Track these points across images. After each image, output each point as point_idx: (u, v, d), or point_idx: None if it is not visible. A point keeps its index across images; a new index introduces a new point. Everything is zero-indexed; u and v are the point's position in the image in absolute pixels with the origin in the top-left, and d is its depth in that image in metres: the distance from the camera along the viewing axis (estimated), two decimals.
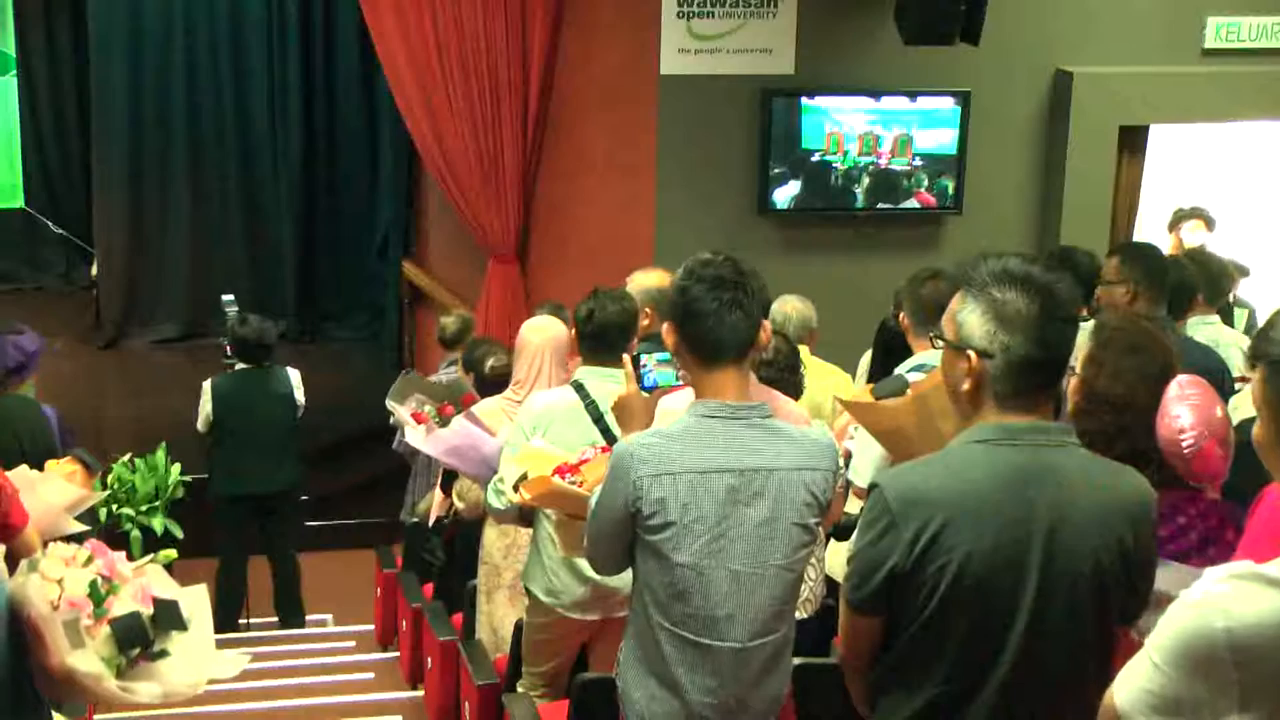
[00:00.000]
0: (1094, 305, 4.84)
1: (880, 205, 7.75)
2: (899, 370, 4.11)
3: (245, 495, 6.85)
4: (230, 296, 7.87)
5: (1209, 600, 1.68)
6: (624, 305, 3.95)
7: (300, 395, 6.84)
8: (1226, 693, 1.67)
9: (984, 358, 2.28)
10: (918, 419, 3.29)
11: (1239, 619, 1.65)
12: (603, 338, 3.87)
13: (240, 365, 6.81)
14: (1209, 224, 7.46)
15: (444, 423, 4.76)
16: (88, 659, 2.45)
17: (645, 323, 4.23)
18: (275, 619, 7.16)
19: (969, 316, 2.30)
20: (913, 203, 7.77)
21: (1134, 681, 1.78)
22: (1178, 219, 7.65)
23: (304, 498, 7.46)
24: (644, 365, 3.05)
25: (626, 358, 3.13)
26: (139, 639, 2.53)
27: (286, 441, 6.86)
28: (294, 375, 6.86)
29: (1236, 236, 8.20)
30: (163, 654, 2.57)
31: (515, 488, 3.52)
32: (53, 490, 3.29)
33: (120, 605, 2.54)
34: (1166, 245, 7.30)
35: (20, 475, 3.23)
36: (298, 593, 7.12)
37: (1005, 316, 2.26)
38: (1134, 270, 4.53)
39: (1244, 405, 3.53)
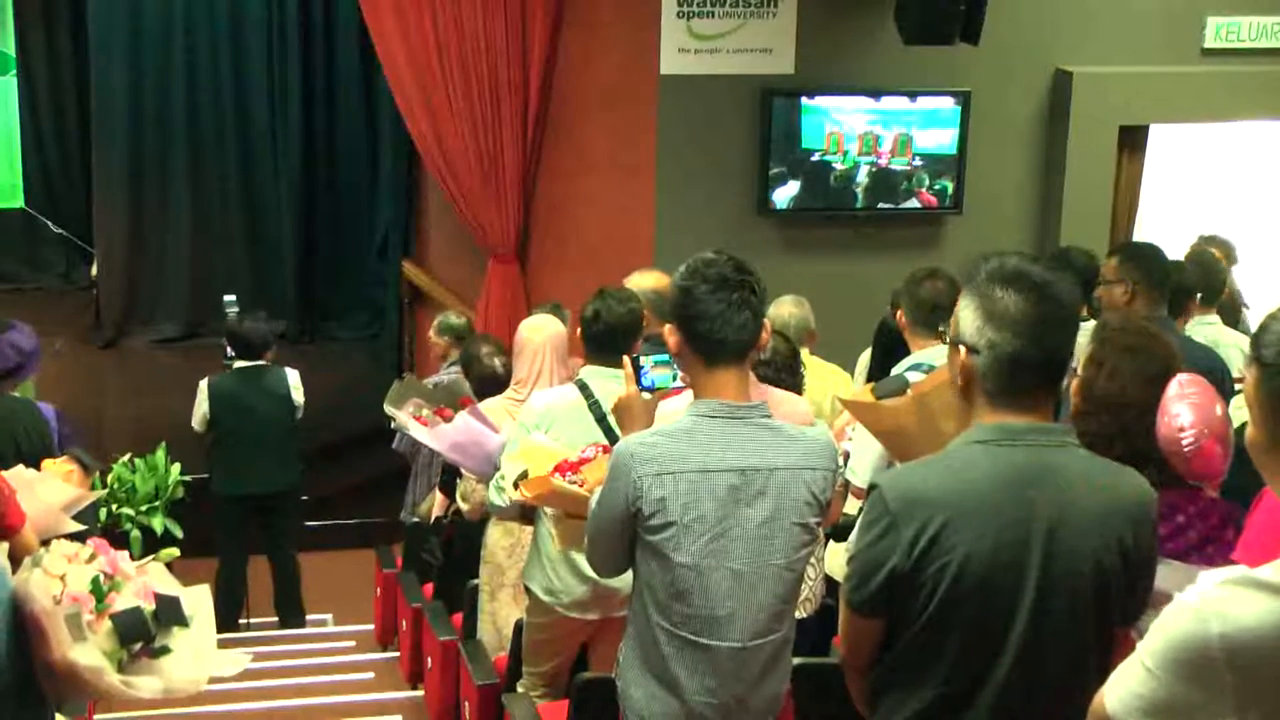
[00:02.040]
0: (1093, 305, 4.84)
1: (880, 205, 7.75)
2: (896, 369, 4.11)
3: (245, 495, 6.84)
4: (232, 297, 7.86)
5: (1203, 605, 1.68)
6: (631, 306, 3.95)
7: (299, 395, 6.82)
8: (1222, 698, 1.66)
9: (972, 353, 2.29)
10: (918, 419, 3.29)
11: (1234, 624, 1.64)
12: (609, 338, 3.87)
13: (239, 364, 6.81)
14: (1228, 257, 7.06)
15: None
16: (89, 653, 2.46)
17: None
18: (275, 619, 7.15)
19: (963, 313, 2.32)
20: (913, 203, 7.78)
21: (1125, 685, 1.78)
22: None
23: (304, 498, 7.45)
24: (642, 366, 3.05)
25: (626, 359, 3.13)
26: (140, 633, 2.54)
27: (285, 441, 6.84)
28: (293, 375, 6.84)
29: (1236, 236, 8.19)
30: (164, 650, 2.57)
31: (515, 485, 3.52)
32: (50, 490, 3.29)
33: (122, 601, 2.55)
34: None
35: (17, 475, 3.23)
36: (298, 593, 7.11)
37: (994, 314, 2.27)
38: (1132, 270, 4.53)
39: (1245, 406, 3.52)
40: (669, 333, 2.83)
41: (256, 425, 6.75)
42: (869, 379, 5.08)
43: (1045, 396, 2.32)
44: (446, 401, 5.05)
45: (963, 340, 2.31)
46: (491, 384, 5.15)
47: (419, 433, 4.78)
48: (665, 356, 2.96)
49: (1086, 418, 2.80)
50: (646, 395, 3.07)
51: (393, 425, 5.77)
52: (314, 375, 9.68)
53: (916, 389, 3.38)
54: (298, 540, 7.17)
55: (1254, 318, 6.62)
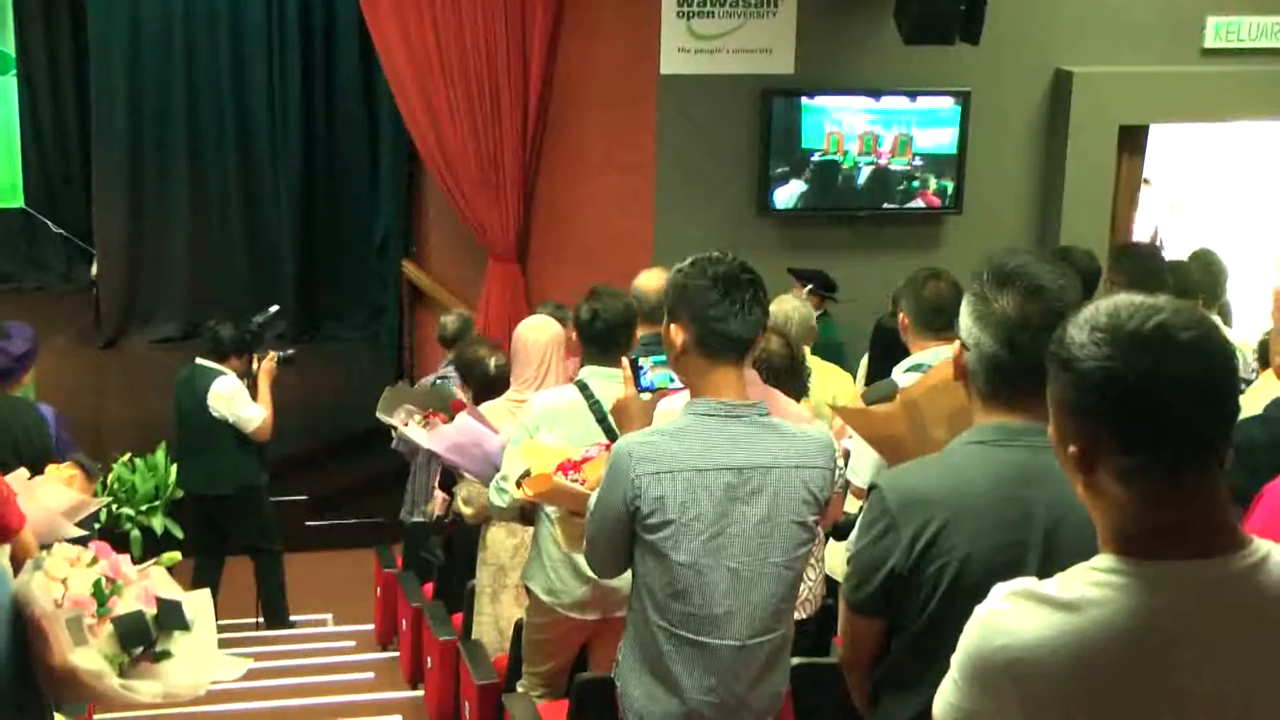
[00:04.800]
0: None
1: (880, 205, 7.75)
2: (896, 370, 4.10)
3: (194, 494, 6.83)
4: (276, 307, 7.63)
5: (990, 618, 1.69)
6: (626, 302, 3.98)
7: (221, 406, 6.49)
8: (1009, 710, 1.68)
9: (965, 350, 2.30)
10: (908, 425, 3.27)
11: (1015, 636, 1.65)
12: (610, 337, 3.88)
13: (199, 360, 6.71)
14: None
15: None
16: (90, 657, 2.46)
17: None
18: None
19: (962, 307, 2.32)
20: (913, 203, 7.77)
21: (941, 694, 1.80)
22: None
23: (273, 498, 7.18)
24: (642, 368, 3.06)
25: (625, 360, 3.13)
26: (141, 637, 2.54)
27: (220, 444, 6.57)
28: (221, 383, 6.51)
29: (1236, 236, 8.21)
30: (165, 655, 2.57)
31: (518, 483, 3.52)
32: (51, 495, 3.29)
33: (124, 605, 2.55)
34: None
35: (18, 479, 3.23)
36: (275, 598, 6.98)
37: (981, 313, 2.27)
38: (1114, 270, 4.58)
39: (1245, 404, 3.52)
40: (675, 331, 2.81)
41: (183, 422, 6.68)
42: (868, 381, 5.07)
43: (1041, 398, 2.31)
44: (437, 406, 5.05)
45: (960, 337, 2.32)
46: (492, 385, 5.14)
47: (417, 435, 4.78)
48: (664, 357, 2.96)
49: None
50: (645, 396, 3.08)
51: (394, 431, 5.77)
52: (314, 375, 9.74)
53: (904, 395, 3.37)
54: (269, 542, 6.94)
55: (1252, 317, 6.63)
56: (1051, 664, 1.63)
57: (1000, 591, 1.71)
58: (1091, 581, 1.66)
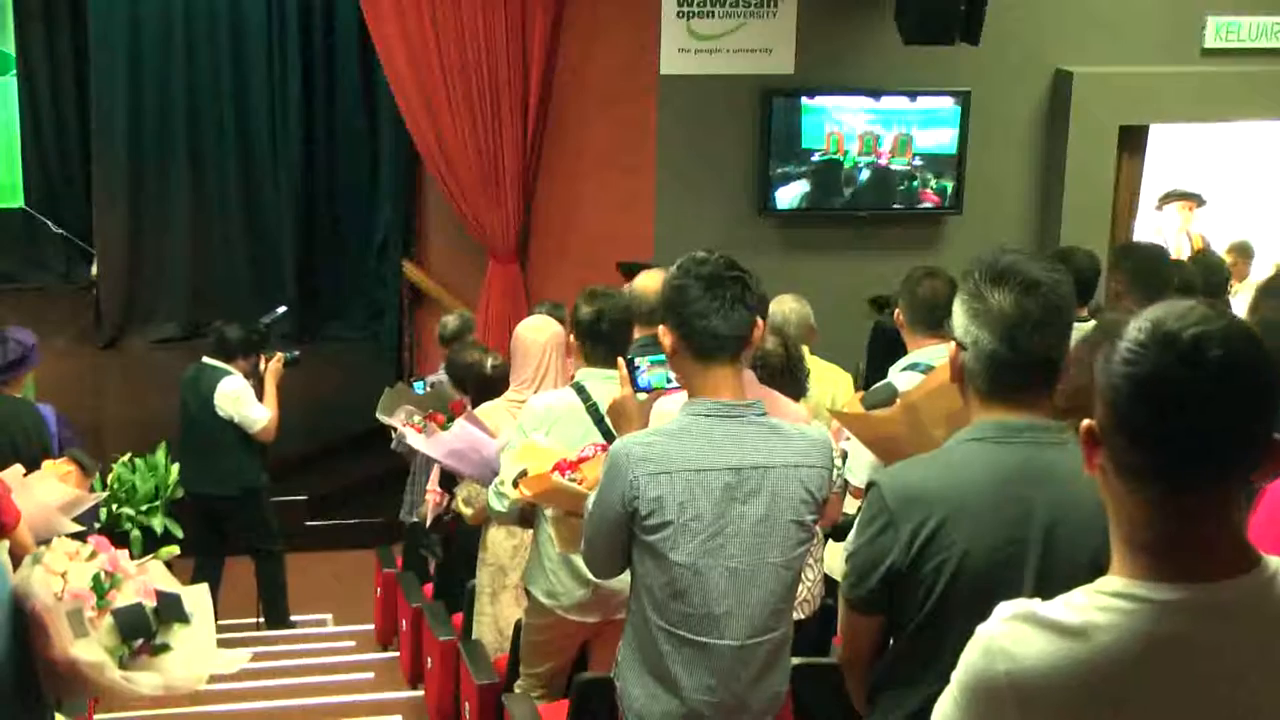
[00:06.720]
0: (1093, 305, 4.85)
1: (880, 205, 7.75)
2: (893, 369, 4.10)
3: (196, 494, 6.82)
4: (284, 308, 7.57)
5: (993, 641, 1.67)
6: (626, 302, 3.96)
7: (228, 406, 6.47)
8: None
9: (961, 349, 2.30)
10: (908, 428, 3.27)
11: (1018, 661, 1.63)
12: (614, 337, 3.85)
13: (205, 360, 6.69)
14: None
15: (443, 428, 4.77)
16: (91, 648, 2.47)
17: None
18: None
19: (955, 307, 2.32)
20: (913, 203, 7.77)
21: (941, 708, 1.79)
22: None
23: (269, 503, 7.07)
24: (638, 367, 3.05)
25: (620, 360, 3.13)
26: (141, 629, 2.55)
27: (224, 444, 6.56)
28: (227, 383, 6.50)
29: (1235, 236, 8.20)
30: (164, 647, 2.58)
31: (515, 483, 3.52)
32: (47, 490, 3.29)
33: (123, 598, 2.56)
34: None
35: (13, 475, 3.23)
36: (276, 598, 6.96)
37: (978, 311, 2.27)
38: (1116, 269, 4.59)
39: None
40: (663, 333, 2.82)
41: (188, 422, 6.67)
42: (867, 381, 5.07)
43: (1040, 395, 2.31)
44: (437, 406, 5.04)
45: (955, 336, 2.32)
46: (490, 386, 5.14)
47: (416, 440, 4.78)
48: (661, 356, 2.96)
49: (1066, 415, 2.79)
50: (642, 396, 3.07)
51: (394, 433, 5.77)
52: (314, 375, 9.73)
53: (905, 398, 3.37)
54: (270, 543, 6.91)
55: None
56: (1056, 690, 1.61)
57: (1003, 613, 1.69)
58: (1098, 606, 1.63)
